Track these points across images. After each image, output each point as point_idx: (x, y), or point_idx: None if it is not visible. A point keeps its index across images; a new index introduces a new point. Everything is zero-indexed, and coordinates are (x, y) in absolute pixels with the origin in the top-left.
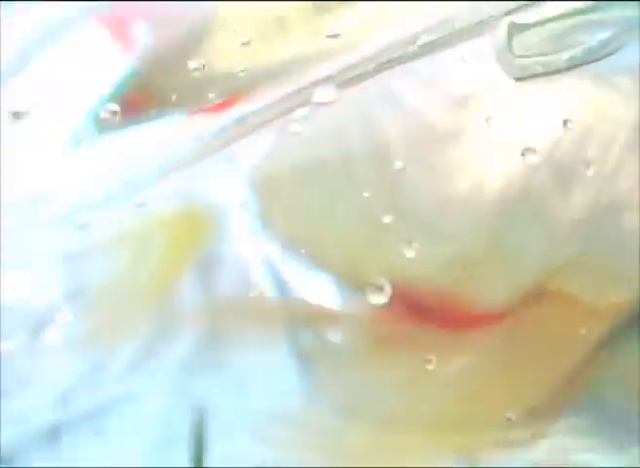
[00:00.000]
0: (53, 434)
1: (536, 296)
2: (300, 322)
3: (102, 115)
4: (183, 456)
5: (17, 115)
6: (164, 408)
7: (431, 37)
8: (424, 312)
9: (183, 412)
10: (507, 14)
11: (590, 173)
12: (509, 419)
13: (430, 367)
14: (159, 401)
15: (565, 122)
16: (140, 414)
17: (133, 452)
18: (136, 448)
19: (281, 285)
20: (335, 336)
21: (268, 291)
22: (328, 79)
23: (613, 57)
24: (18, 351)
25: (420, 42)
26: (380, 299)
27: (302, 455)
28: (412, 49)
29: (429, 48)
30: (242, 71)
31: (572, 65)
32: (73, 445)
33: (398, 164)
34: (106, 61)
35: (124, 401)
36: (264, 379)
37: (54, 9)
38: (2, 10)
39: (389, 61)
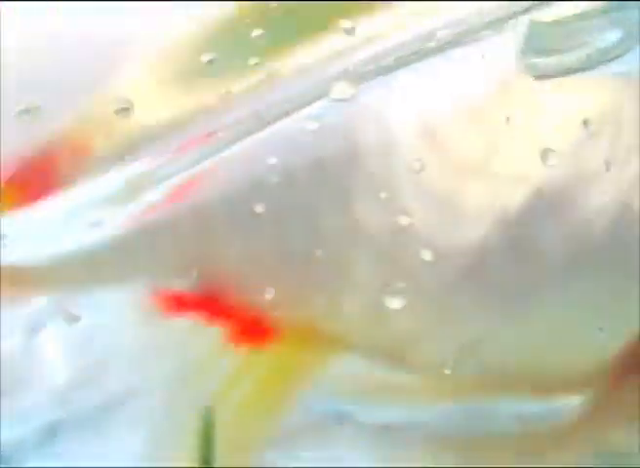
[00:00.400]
0: (52, 433)
1: None
2: None
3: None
4: (182, 456)
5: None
6: (163, 406)
7: (449, 34)
8: None
9: (183, 411)
10: (525, 12)
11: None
12: None
13: None
14: (159, 399)
15: (585, 122)
16: (139, 413)
17: (132, 452)
18: (135, 448)
19: None
20: None
21: None
22: (345, 74)
23: (627, 56)
24: (17, 350)
25: (437, 38)
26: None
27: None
28: (429, 45)
29: (447, 45)
30: (256, 65)
31: (588, 65)
32: (73, 444)
33: (415, 164)
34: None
35: (123, 400)
36: None
37: None
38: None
39: (406, 57)
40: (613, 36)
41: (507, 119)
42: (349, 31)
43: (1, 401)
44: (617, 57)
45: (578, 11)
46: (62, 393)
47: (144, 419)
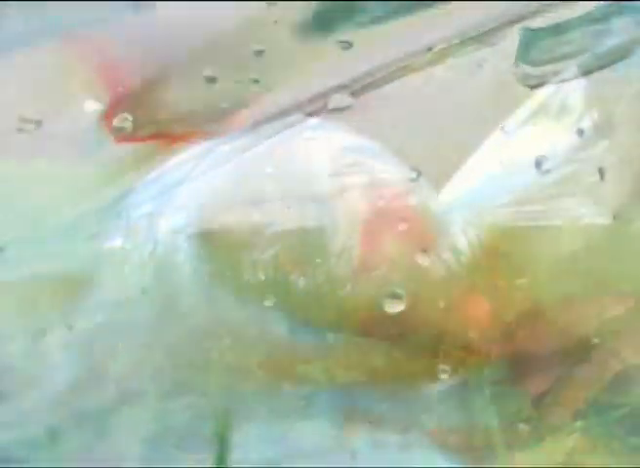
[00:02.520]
0: (52, 434)
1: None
2: None
3: (115, 124)
4: (181, 457)
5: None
6: (162, 408)
7: (445, 45)
8: None
9: (181, 413)
10: (520, 21)
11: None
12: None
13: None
14: (157, 401)
15: (580, 131)
16: (139, 415)
17: (132, 453)
18: (135, 449)
19: None
20: None
21: None
22: (342, 86)
23: (623, 63)
24: (18, 353)
25: (434, 50)
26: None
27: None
28: (426, 57)
29: (443, 55)
30: (255, 80)
31: (583, 72)
32: (73, 445)
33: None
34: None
35: (123, 402)
36: None
37: None
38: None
39: (403, 69)
40: (608, 42)
41: (502, 127)
42: (345, 43)
43: (3, 402)
44: (612, 63)
45: (572, 18)
46: (62, 394)
47: (143, 420)
